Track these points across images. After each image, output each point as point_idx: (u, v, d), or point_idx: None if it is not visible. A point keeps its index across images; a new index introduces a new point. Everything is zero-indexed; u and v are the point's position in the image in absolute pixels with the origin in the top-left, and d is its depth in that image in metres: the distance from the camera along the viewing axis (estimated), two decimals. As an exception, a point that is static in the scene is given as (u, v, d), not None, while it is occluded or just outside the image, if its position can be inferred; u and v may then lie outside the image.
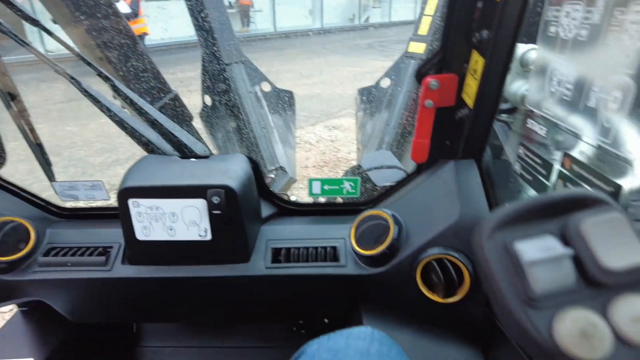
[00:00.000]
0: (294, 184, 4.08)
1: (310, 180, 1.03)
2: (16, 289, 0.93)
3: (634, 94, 0.48)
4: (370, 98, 4.08)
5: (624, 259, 0.38)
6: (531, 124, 0.66)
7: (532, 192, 0.68)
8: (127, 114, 0.97)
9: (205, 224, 0.87)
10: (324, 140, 5.64)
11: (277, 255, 0.94)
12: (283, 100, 4.12)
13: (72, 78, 0.95)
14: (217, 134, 3.63)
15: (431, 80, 0.82)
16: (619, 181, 0.51)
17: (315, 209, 1.08)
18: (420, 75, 0.84)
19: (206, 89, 3.50)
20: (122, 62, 1.88)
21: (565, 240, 0.41)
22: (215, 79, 3.56)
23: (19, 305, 1.15)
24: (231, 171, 0.88)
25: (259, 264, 0.93)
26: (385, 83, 3.96)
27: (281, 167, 3.69)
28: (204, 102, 3.45)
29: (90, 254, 0.93)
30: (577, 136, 0.55)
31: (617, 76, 0.50)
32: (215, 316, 1.06)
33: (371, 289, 0.92)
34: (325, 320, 1.28)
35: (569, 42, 0.55)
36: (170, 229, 0.88)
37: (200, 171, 0.89)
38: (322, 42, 14.63)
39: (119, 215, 0.89)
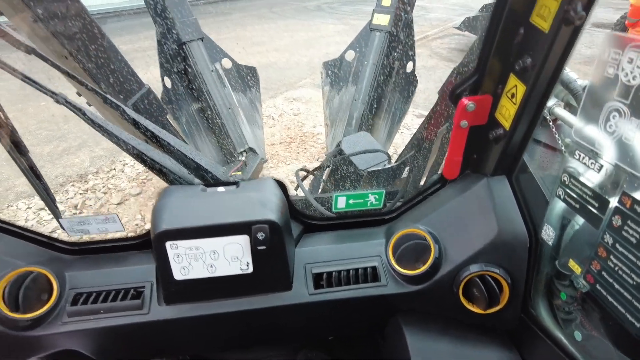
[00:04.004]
0: (265, 164, 4.03)
1: (336, 196, 1.03)
2: (44, 344, 0.86)
3: None
4: (335, 71, 4.02)
5: None
6: (579, 155, 0.69)
7: (578, 219, 0.74)
8: (144, 145, 0.89)
9: (248, 258, 0.85)
10: (287, 114, 5.55)
11: (319, 280, 0.95)
12: (246, 77, 3.96)
13: (75, 107, 0.85)
14: (181, 118, 3.45)
15: (468, 103, 0.83)
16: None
17: (340, 222, 1.08)
18: (454, 96, 0.85)
19: (164, 71, 3.27)
20: (90, 58, 1.71)
21: None
22: (173, 59, 3.33)
23: None
24: (269, 202, 0.86)
25: (302, 291, 0.93)
26: (350, 56, 3.91)
27: (251, 149, 3.60)
28: (164, 85, 3.24)
29: (122, 298, 0.88)
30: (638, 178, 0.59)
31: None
32: (257, 344, 1.05)
33: (411, 303, 0.96)
34: None
35: (633, 89, 0.58)
36: (211, 266, 0.85)
37: (238, 204, 0.85)
38: (268, 4, 13.96)
39: (154, 257, 0.84)
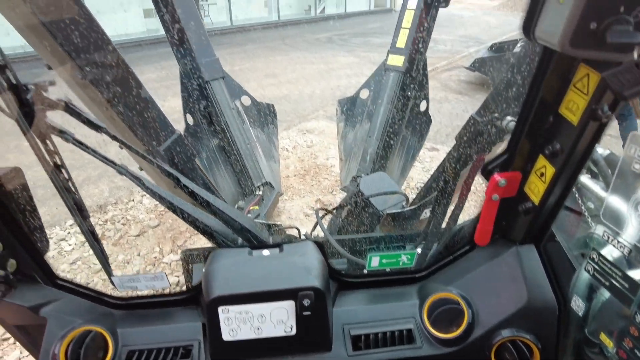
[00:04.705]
0: (280, 197, 4.10)
1: (370, 256, 1.08)
2: None
3: None
4: (350, 109, 4.13)
5: None
6: (607, 237, 0.75)
7: (606, 294, 0.78)
8: (196, 210, 0.97)
9: (292, 321, 0.91)
10: (300, 146, 5.66)
11: (357, 341, 0.99)
12: (264, 113, 4.09)
13: (135, 177, 0.93)
14: (201, 153, 3.56)
15: (500, 179, 0.89)
16: None
17: (372, 280, 1.13)
18: (487, 172, 0.91)
19: (187, 108, 3.40)
20: (127, 106, 1.81)
21: None
22: (196, 97, 3.47)
23: None
24: (313, 267, 0.92)
25: (341, 352, 0.97)
26: (365, 94, 4.03)
27: (268, 183, 3.69)
28: (186, 122, 3.36)
29: (172, 356, 0.93)
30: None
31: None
32: None
33: None
34: None
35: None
36: (258, 329, 0.90)
37: (284, 270, 0.91)
38: (281, 36, 14.45)
39: (202, 316, 0.90)
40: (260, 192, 3.59)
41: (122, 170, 0.94)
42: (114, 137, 0.99)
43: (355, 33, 15.85)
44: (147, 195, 4.53)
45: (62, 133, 0.89)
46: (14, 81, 0.77)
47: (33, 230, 0.94)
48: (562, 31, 0.57)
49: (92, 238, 1.01)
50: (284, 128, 6.26)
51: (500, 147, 1.86)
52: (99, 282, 3.23)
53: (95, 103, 1.80)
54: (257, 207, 3.41)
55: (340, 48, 12.63)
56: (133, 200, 4.32)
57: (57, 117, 0.94)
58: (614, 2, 0.53)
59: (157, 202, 4.65)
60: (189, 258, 1.85)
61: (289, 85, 8.56)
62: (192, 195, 0.98)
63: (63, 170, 0.94)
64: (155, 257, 3.46)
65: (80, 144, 0.91)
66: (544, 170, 0.85)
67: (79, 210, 0.96)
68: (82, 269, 3.36)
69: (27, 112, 0.81)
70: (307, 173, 4.86)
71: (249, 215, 3.24)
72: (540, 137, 0.84)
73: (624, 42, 0.53)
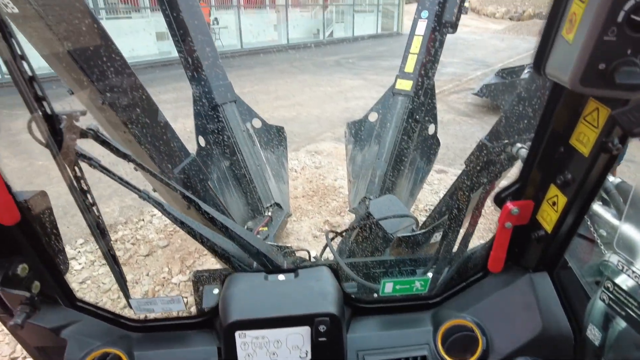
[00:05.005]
0: (288, 218, 4.12)
1: (384, 282, 1.09)
2: None
3: None
4: (359, 131, 4.19)
5: None
6: (622, 266, 0.76)
7: (623, 323, 0.79)
8: (215, 234, 1.00)
9: (307, 347, 0.92)
10: (309, 167, 5.70)
11: None
12: (274, 136, 4.15)
13: (156, 203, 0.97)
14: (212, 174, 3.62)
15: (513, 208, 0.91)
16: None
17: (386, 306, 1.14)
18: (500, 201, 0.93)
19: (199, 130, 3.48)
20: (145, 130, 1.87)
21: None
22: (208, 120, 3.54)
23: None
24: (329, 293, 0.93)
25: None
26: (373, 117, 4.09)
27: (276, 204, 3.72)
28: (198, 144, 3.43)
29: None
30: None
31: None
32: None
33: None
34: None
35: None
36: (274, 354, 0.91)
37: (300, 295, 0.93)
38: (289, 59, 14.77)
39: (217, 340, 0.91)
40: (269, 213, 3.62)
41: (144, 195, 0.98)
42: (138, 164, 1.02)
43: (362, 56, 16.15)
44: (157, 215, 4.56)
45: (89, 160, 0.93)
46: (49, 112, 0.82)
47: (57, 252, 0.96)
48: (572, 70, 0.59)
49: (113, 261, 1.04)
50: (293, 149, 6.33)
51: (510, 173, 1.87)
52: (107, 301, 3.24)
53: (113, 126, 1.86)
54: (266, 228, 3.44)
55: (347, 71, 12.86)
56: (143, 219, 4.36)
57: (85, 144, 0.99)
58: (621, 45, 0.56)
59: (166, 222, 4.67)
60: (200, 280, 1.87)
61: (298, 107, 8.69)
62: (212, 220, 1.01)
63: (88, 196, 0.98)
64: (164, 278, 3.47)
65: (106, 170, 0.95)
66: (555, 199, 0.86)
67: (101, 233, 0.99)
68: (92, 288, 3.38)
69: (59, 140, 0.85)
70: (315, 194, 4.89)
71: (258, 236, 3.26)
72: (552, 167, 0.86)
73: (632, 83, 0.56)
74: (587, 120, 0.76)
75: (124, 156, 0.99)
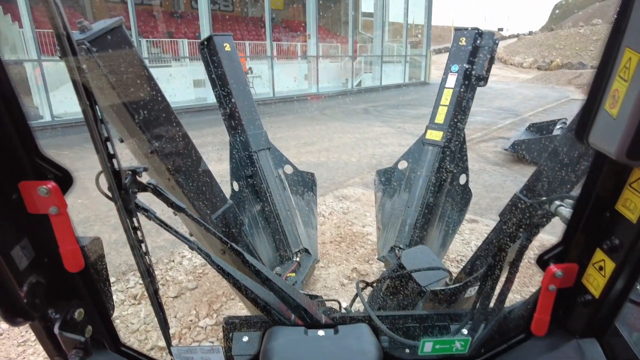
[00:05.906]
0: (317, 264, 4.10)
1: (423, 341, 1.08)
2: None
3: None
4: (388, 179, 4.22)
5: None
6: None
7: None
8: (251, 282, 1.03)
9: (347, 405, 0.91)
10: (337, 213, 5.72)
11: None
12: (305, 182, 4.24)
13: (204, 253, 1.01)
14: (244, 218, 3.69)
15: (556, 271, 0.90)
16: None
17: (424, 366, 1.11)
18: (542, 263, 0.93)
19: (234, 176, 3.61)
20: (187, 176, 1.97)
21: None
22: (243, 166, 3.68)
23: None
24: (369, 352, 0.93)
25: None
26: (403, 165, 4.12)
27: (305, 249, 3.72)
28: (232, 189, 3.54)
29: None
30: None
31: None
32: None
33: None
34: None
35: None
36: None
37: (340, 353, 0.93)
38: (319, 107, 15.27)
39: None
40: (298, 259, 3.62)
41: (194, 246, 1.03)
42: (189, 215, 1.09)
43: (390, 105, 16.52)
44: (187, 256, 4.63)
45: (146, 212, 1.00)
46: (117, 168, 0.90)
47: (108, 297, 1.01)
48: (618, 144, 0.62)
49: (159, 308, 1.08)
50: (321, 194, 6.39)
51: (545, 228, 1.83)
52: (135, 342, 3.26)
53: (157, 173, 1.98)
54: (294, 274, 3.43)
55: (375, 119, 13.13)
56: (173, 260, 4.44)
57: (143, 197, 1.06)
58: None
59: (196, 264, 4.71)
60: (231, 326, 1.87)
61: (327, 152, 8.87)
62: (257, 273, 1.04)
63: (143, 245, 1.04)
64: (191, 320, 3.47)
65: (161, 222, 1.01)
66: (602, 264, 0.85)
67: (151, 282, 1.04)
68: (120, 328, 3.41)
69: (123, 194, 0.93)
70: (343, 240, 4.86)
71: (287, 281, 3.25)
72: (597, 232, 0.85)
73: None
74: (633, 187, 0.77)
75: (179, 209, 1.05)
